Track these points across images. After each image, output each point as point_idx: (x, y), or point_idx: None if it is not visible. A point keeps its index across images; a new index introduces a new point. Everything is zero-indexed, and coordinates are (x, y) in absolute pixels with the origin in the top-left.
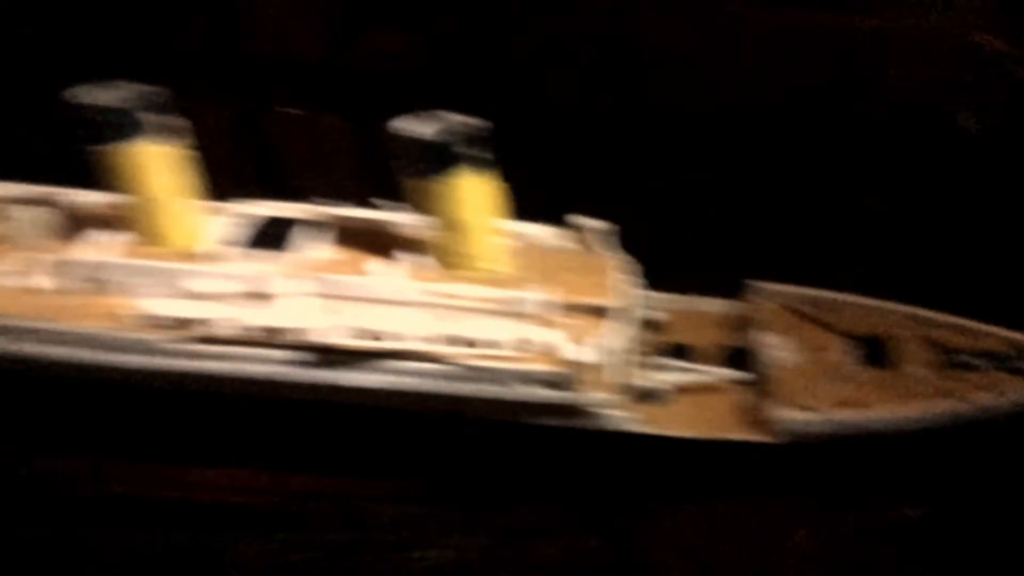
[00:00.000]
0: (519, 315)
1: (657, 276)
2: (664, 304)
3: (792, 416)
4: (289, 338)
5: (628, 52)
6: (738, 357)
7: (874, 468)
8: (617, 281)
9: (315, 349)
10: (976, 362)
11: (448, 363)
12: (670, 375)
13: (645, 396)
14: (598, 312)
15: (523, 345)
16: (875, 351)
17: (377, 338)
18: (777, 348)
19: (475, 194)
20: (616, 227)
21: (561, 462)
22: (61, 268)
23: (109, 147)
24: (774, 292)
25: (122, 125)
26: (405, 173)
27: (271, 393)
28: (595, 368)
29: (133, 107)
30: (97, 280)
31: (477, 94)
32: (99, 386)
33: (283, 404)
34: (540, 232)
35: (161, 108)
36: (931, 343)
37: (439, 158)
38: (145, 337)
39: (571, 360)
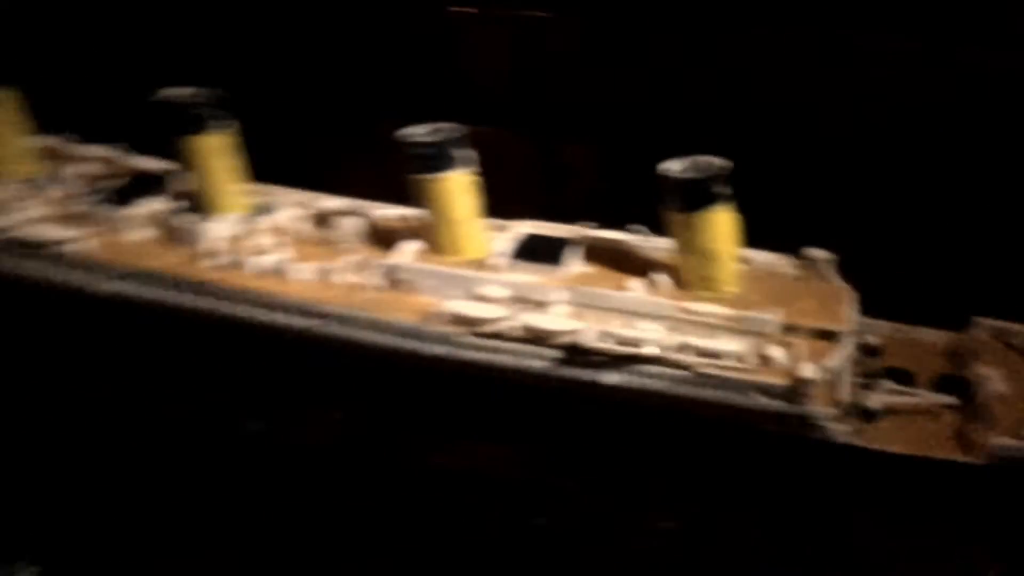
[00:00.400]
0: (755, 333)
1: (878, 304)
2: (881, 331)
3: (1004, 441)
4: (559, 340)
5: (851, 86)
6: (952, 385)
7: None
8: (839, 306)
9: (579, 351)
10: None
11: (691, 370)
12: (884, 396)
13: (861, 414)
14: (824, 335)
15: (759, 360)
16: None
17: (633, 345)
18: (993, 380)
19: (721, 225)
20: (836, 256)
21: (777, 467)
22: (375, 269)
23: (426, 176)
24: (996, 328)
25: (437, 158)
26: (665, 207)
27: (539, 384)
28: (820, 385)
29: (445, 142)
30: (403, 281)
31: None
32: (406, 370)
33: (546, 394)
34: (768, 259)
35: (462, 143)
36: None
37: (696, 194)
38: (446, 330)
39: (801, 376)
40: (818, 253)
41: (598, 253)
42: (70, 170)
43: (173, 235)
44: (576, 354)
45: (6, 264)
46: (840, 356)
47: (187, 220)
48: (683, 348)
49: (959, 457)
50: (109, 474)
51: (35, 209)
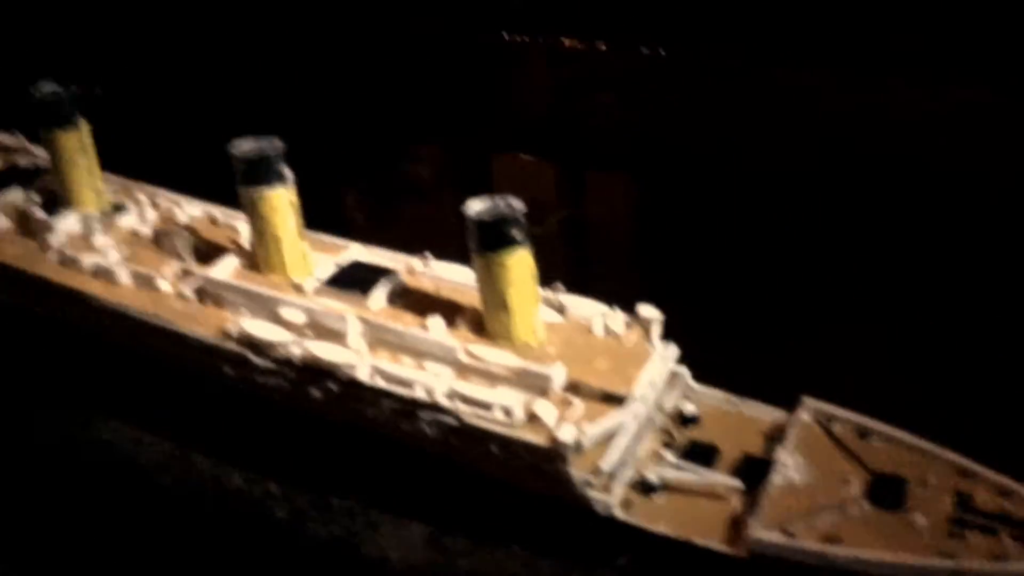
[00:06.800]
0: (536, 388)
1: (720, 372)
2: (709, 400)
3: (767, 536)
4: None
5: None
6: (753, 468)
7: None
8: (635, 370)
9: (346, 383)
10: (995, 525)
11: (459, 420)
12: (666, 471)
13: (645, 487)
14: (608, 398)
15: (527, 416)
16: (894, 492)
17: (406, 385)
18: (792, 468)
19: (517, 270)
20: (663, 317)
21: (531, 525)
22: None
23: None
24: (822, 411)
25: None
26: (471, 248)
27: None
28: (582, 449)
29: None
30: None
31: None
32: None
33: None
34: (589, 311)
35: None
36: (958, 497)
37: (491, 236)
38: (240, 351)
39: (558, 439)
40: (647, 311)
41: (418, 291)
42: None
43: (25, 226)
44: (351, 389)
45: None
46: (611, 423)
47: (39, 213)
48: (453, 395)
49: (718, 546)
50: None
51: None
